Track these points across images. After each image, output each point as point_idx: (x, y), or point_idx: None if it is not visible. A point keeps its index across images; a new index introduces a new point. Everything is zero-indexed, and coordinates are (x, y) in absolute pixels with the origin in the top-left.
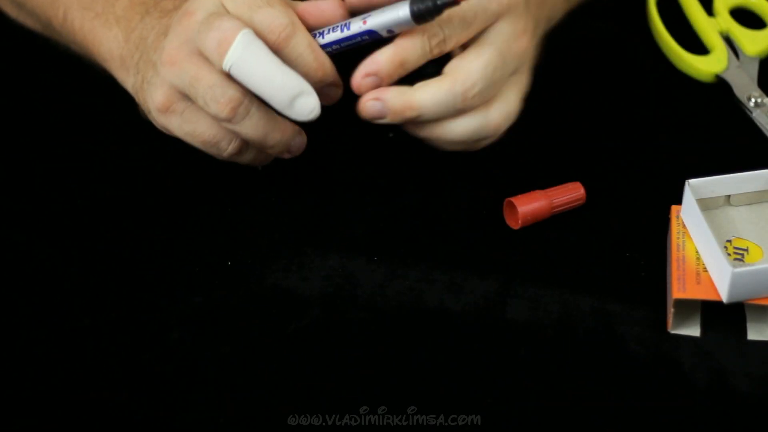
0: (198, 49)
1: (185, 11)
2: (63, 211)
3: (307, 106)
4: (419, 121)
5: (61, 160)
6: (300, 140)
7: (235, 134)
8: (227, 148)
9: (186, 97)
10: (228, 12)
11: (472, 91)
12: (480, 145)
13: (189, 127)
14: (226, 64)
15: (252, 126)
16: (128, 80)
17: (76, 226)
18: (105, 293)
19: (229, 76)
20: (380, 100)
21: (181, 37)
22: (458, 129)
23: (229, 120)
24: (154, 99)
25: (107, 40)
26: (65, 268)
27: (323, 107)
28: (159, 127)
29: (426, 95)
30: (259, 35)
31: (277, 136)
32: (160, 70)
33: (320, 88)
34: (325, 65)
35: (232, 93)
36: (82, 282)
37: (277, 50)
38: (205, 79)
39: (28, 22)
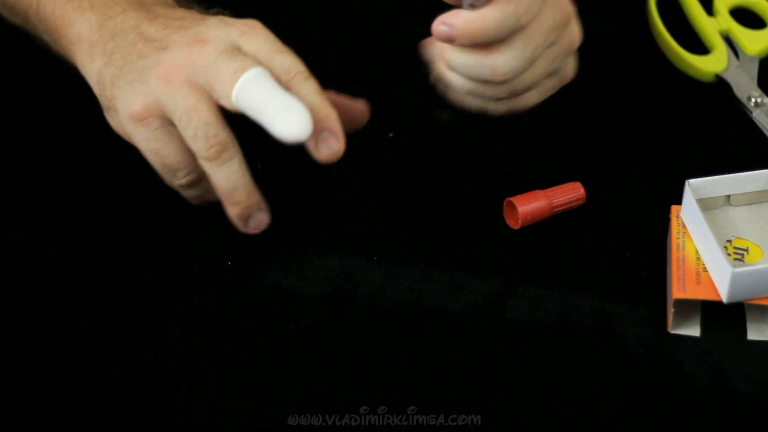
0: (204, 78)
1: (197, 37)
2: (63, 211)
3: (295, 118)
4: (479, 44)
5: (61, 160)
6: (261, 217)
7: (197, 170)
8: (182, 179)
9: (165, 117)
10: (244, 51)
11: (527, 15)
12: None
13: (156, 144)
14: (236, 90)
15: (225, 175)
16: (92, 65)
17: (76, 226)
18: (105, 293)
19: (223, 119)
20: (448, 24)
21: (186, 59)
22: (511, 53)
23: (209, 160)
24: (131, 105)
25: (78, 23)
26: (65, 268)
27: (319, 165)
28: (118, 129)
29: (491, 15)
30: (274, 74)
31: (242, 196)
32: (151, 81)
33: (319, 132)
34: (329, 110)
35: (224, 136)
36: (82, 282)
37: (287, 88)
38: (203, 114)
39: (13, 19)
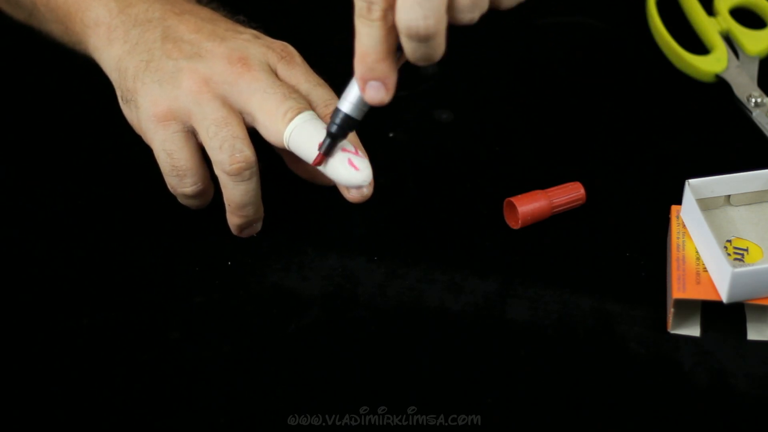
0: (244, 103)
1: (237, 53)
2: (63, 211)
3: (359, 165)
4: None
5: (61, 160)
6: (257, 226)
7: (204, 181)
8: (188, 187)
9: (188, 123)
10: (280, 77)
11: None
12: None
13: (171, 147)
14: (289, 130)
15: (241, 191)
16: (110, 50)
17: (76, 226)
18: (105, 293)
19: (249, 137)
20: (377, 80)
21: (226, 76)
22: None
23: (229, 175)
24: (157, 105)
25: (95, 7)
26: (65, 268)
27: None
28: (133, 122)
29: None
30: (312, 106)
31: (251, 212)
32: (183, 86)
33: None
34: (363, 153)
35: (248, 153)
36: (82, 282)
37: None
38: (233, 128)
39: (17, 14)
